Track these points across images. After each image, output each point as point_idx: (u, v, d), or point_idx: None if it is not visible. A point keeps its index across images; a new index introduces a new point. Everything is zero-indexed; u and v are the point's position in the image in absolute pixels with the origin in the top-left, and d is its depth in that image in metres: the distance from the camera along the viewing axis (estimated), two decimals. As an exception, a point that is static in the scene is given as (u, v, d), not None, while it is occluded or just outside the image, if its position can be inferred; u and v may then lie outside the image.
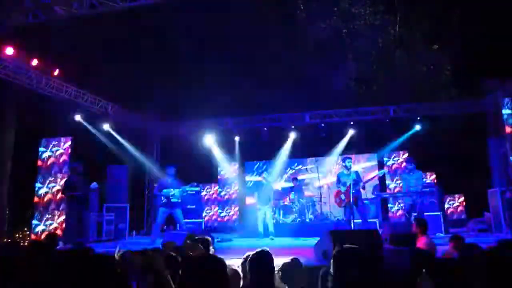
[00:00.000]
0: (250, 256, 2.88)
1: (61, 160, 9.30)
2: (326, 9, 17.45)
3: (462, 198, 12.54)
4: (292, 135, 13.29)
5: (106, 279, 2.47)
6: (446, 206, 12.10)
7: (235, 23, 15.12)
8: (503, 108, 7.91)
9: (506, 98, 8.01)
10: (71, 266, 2.77)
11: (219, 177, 13.93)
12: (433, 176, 12.14)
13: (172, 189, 8.38)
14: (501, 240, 3.12)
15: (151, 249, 3.63)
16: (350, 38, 17.57)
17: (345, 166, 8.12)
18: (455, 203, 12.54)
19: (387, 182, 12.26)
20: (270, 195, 9.93)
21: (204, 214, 12.83)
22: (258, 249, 2.94)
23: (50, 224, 9.03)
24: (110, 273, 2.54)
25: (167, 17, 13.43)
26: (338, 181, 8.14)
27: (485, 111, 11.88)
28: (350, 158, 8.36)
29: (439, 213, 9.54)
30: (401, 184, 8.83)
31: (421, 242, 4.64)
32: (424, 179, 10.13)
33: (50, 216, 9.08)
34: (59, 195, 8.92)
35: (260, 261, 2.82)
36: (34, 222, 9.26)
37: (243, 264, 3.18)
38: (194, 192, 10.55)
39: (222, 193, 13.79)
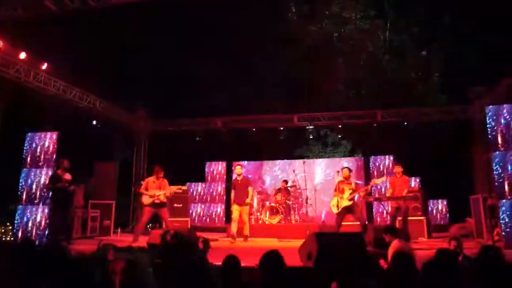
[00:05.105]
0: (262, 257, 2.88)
1: (47, 155, 9.16)
2: (317, 13, 17.60)
3: (445, 203, 12.68)
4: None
5: (83, 277, 2.47)
6: (430, 210, 12.23)
7: (227, 24, 15.16)
8: (487, 116, 8.02)
9: (490, 106, 8.12)
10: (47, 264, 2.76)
11: (206, 176, 13.91)
12: (418, 180, 12.26)
13: (158, 190, 8.32)
14: (484, 245, 3.18)
15: (137, 247, 3.64)
16: (340, 42, 17.74)
17: (344, 177, 8.11)
18: (439, 208, 12.68)
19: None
20: (246, 194, 9.07)
21: (190, 213, 12.79)
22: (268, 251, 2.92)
23: (34, 219, 8.90)
24: (86, 272, 2.54)
25: (159, 14, 13.42)
26: (336, 188, 8.06)
27: (472, 118, 12.06)
28: (348, 169, 8.30)
29: (422, 217, 9.66)
30: (387, 188, 8.88)
31: (393, 247, 4.23)
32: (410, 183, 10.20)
33: (34, 210, 8.95)
34: (44, 190, 8.81)
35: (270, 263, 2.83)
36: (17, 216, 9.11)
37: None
38: (181, 191, 10.50)
39: (209, 193, 13.76)
